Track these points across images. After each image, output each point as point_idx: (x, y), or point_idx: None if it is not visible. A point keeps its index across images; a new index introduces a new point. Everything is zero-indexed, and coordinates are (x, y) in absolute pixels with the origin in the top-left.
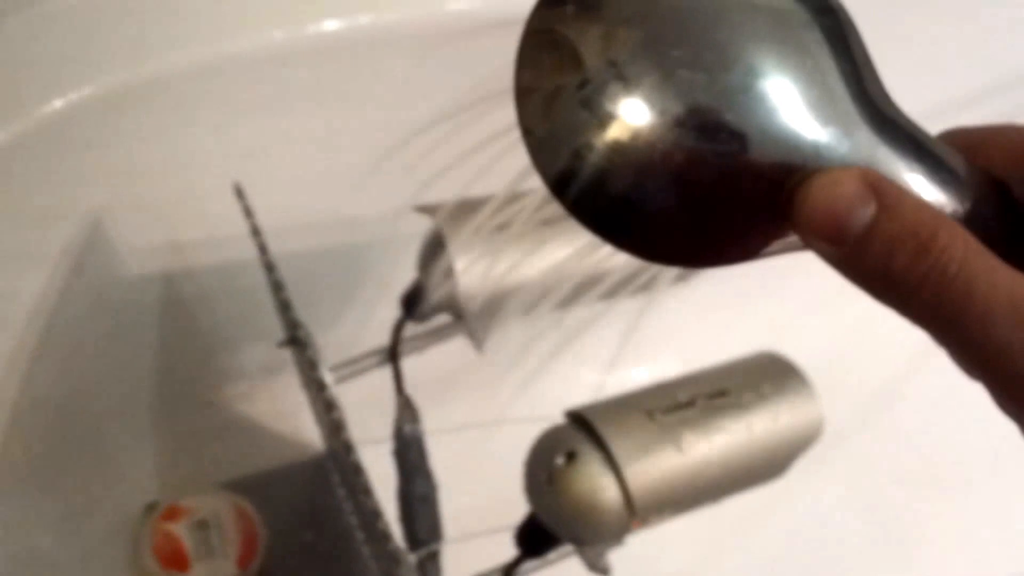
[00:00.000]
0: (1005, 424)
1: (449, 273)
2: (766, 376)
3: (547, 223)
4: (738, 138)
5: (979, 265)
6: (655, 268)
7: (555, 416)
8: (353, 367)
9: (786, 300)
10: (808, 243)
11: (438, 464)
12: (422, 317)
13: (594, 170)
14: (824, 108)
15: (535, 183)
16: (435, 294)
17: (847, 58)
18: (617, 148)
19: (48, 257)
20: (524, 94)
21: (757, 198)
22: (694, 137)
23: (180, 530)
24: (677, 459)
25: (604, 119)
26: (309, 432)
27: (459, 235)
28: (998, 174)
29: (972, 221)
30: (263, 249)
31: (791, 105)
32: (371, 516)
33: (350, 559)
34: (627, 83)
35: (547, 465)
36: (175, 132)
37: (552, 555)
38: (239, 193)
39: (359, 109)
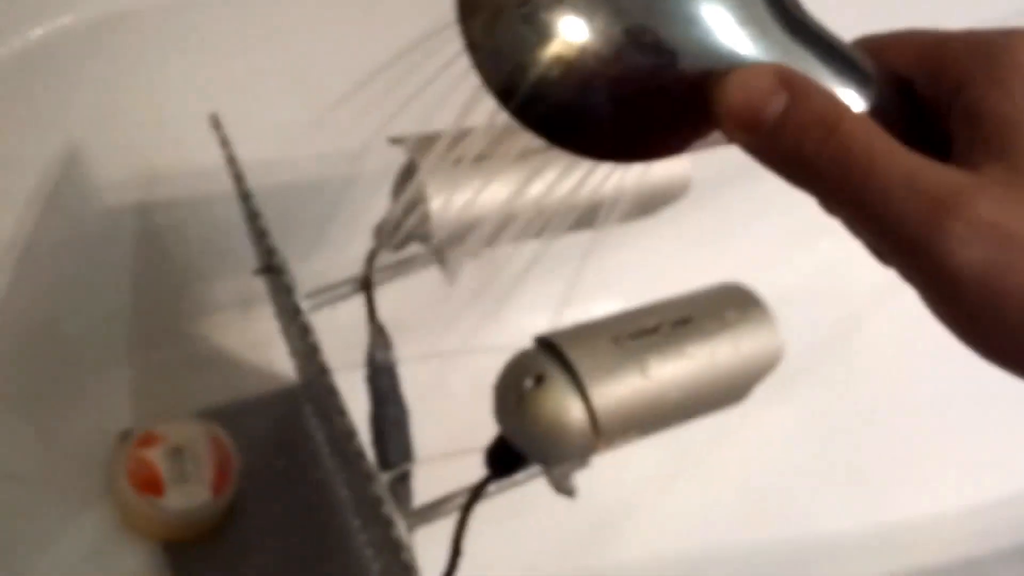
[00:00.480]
0: (957, 361)
1: (421, 202)
2: (729, 304)
3: (521, 154)
4: (666, 48)
5: (880, 146)
6: (629, 200)
7: (525, 344)
8: (327, 295)
9: (752, 239)
10: (728, 134)
11: (409, 391)
12: (395, 247)
13: (536, 80)
14: (741, 15)
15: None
16: (408, 224)
17: None
18: (557, 61)
19: (24, 189)
20: (469, 12)
21: (685, 97)
22: (626, 49)
23: (155, 456)
24: (641, 382)
25: (545, 35)
26: (282, 363)
27: (431, 165)
28: (904, 73)
29: (879, 114)
30: (239, 178)
31: (712, 16)
32: (345, 436)
33: (321, 486)
34: (565, 2)
35: (516, 387)
36: (152, 64)
37: (520, 476)
38: (215, 123)
39: (332, 44)
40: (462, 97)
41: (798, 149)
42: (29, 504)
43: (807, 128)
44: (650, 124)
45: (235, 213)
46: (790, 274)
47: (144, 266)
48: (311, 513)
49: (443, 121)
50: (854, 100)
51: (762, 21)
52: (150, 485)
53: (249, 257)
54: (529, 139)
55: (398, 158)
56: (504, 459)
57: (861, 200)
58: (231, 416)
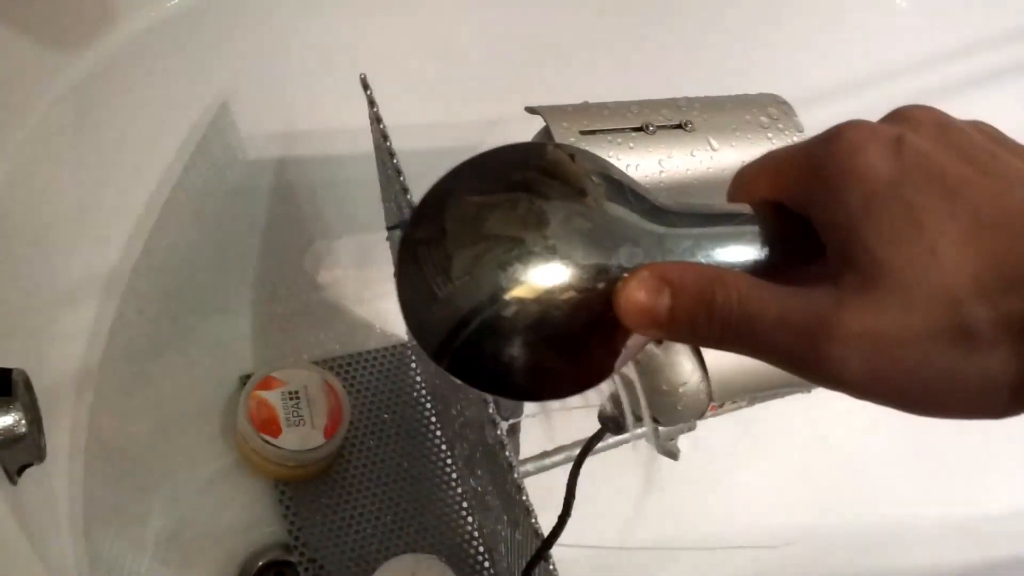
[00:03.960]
0: None
1: None
2: None
3: (647, 132)
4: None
5: (753, 300)
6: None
7: None
8: None
9: None
10: (645, 336)
11: None
12: None
13: (467, 343)
14: (626, 236)
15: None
16: None
17: (628, 198)
18: (483, 328)
19: (177, 135)
20: (406, 289)
21: (603, 323)
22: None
23: (274, 398)
24: (751, 360)
25: (465, 316)
26: (393, 321)
27: (565, 133)
28: (773, 197)
29: (767, 241)
30: (385, 136)
31: (600, 251)
32: None
33: (422, 439)
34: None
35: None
36: (303, 26)
37: (625, 436)
38: (364, 84)
39: (479, 18)
40: (596, 75)
41: (694, 329)
42: (154, 439)
43: (693, 312)
44: (582, 354)
45: (363, 175)
46: None
47: (274, 219)
48: (411, 463)
49: (575, 97)
50: (736, 249)
51: (640, 230)
52: (268, 426)
53: (371, 220)
54: (659, 117)
55: (530, 129)
56: (618, 418)
57: (760, 350)
58: (343, 367)
